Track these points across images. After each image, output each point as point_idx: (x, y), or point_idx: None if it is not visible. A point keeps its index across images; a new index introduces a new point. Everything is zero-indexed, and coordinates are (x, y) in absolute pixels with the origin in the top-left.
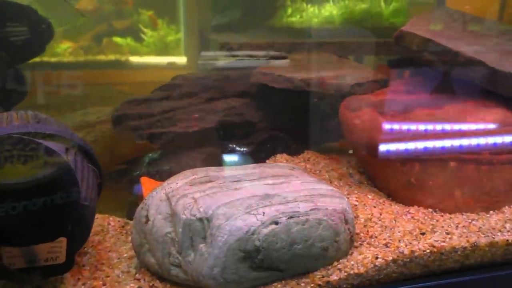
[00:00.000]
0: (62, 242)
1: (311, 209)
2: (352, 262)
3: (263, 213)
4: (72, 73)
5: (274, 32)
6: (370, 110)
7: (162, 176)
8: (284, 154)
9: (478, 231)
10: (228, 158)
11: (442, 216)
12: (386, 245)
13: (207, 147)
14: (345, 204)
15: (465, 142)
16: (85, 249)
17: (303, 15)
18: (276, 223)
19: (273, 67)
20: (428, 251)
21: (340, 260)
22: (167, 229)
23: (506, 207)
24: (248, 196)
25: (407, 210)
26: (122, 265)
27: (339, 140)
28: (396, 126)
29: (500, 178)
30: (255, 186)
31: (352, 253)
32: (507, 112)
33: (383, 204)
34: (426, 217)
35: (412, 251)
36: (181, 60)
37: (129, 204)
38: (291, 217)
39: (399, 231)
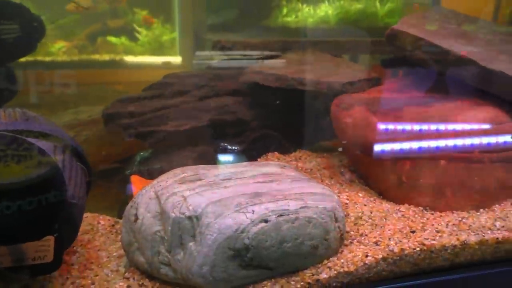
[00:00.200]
0: (49, 241)
1: (301, 207)
2: (342, 260)
3: (253, 211)
4: (66, 72)
5: (269, 31)
6: (362, 108)
7: (153, 174)
8: (276, 152)
9: (468, 229)
10: (220, 156)
11: (432, 214)
12: (376, 243)
13: (199, 146)
14: (336, 202)
15: (456, 141)
16: (74, 248)
17: (299, 15)
18: (266, 221)
19: (267, 66)
20: (418, 249)
21: (330, 258)
22: (156, 228)
23: (496, 205)
24: (238, 194)
25: (398, 208)
26: (111, 264)
27: (331, 139)
28: (387, 125)
29: (490, 176)
30: (245, 185)
31: (342, 251)
32: (498, 111)
33: (374, 203)
34: (416, 215)
35: (402, 249)
36: (176, 59)
37: (120, 203)
38: (281, 215)
39: (390, 229)
